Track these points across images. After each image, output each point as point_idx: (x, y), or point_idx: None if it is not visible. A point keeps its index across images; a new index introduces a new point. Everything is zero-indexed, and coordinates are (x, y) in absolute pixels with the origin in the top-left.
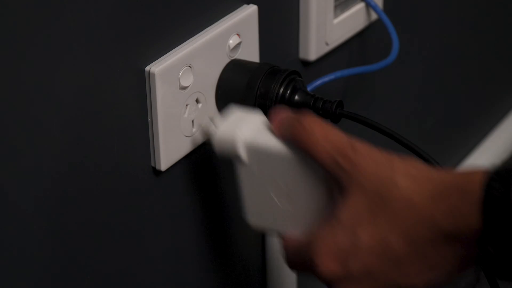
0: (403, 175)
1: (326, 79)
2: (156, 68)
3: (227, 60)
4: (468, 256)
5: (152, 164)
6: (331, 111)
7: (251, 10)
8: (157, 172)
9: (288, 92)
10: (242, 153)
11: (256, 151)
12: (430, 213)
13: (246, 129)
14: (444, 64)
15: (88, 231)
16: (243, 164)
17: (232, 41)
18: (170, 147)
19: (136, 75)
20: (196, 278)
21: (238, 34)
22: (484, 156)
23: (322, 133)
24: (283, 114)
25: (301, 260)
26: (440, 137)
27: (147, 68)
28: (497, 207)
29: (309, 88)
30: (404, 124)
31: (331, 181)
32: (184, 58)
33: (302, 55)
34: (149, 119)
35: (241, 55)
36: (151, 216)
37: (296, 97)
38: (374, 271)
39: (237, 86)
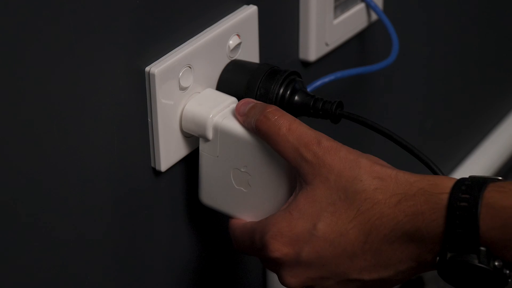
0: (369, 174)
1: (326, 79)
2: (156, 68)
3: (227, 61)
4: (423, 259)
5: (152, 165)
6: (331, 111)
7: (251, 10)
8: (157, 173)
9: (288, 92)
10: (209, 132)
11: (222, 134)
12: (393, 214)
13: (216, 110)
14: (444, 64)
15: (86, 230)
16: (207, 144)
17: (232, 41)
18: (170, 148)
19: (136, 75)
20: (196, 277)
21: (238, 35)
22: (484, 157)
23: (287, 125)
24: (248, 104)
25: (250, 242)
26: (440, 137)
27: (147, 68)
28: (461, 217)
29: (309, 89)
30: (404, 125)
31: (293, 173)
32: (184, 58)
33: (302, 55)
34: (149, 120)
35: (241, 55)
36: (151, 217)
37: (296, 97)
38: (326, 259)
39: (237, 87)
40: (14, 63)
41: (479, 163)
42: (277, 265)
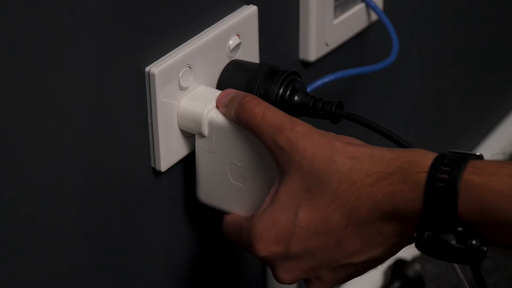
0: (342, 155)
1: (326, 79)
2: (156, 68)
3: (227, 61)
4: (407, 233)
5: (152, 165)
6: (331, 112)
7: (251, 10)
8: (157, 173)
9: (288, 92)
10: (205, 128)
11: (217, 129)
12: (372, 193)
13: (211, 106)
14: (443, 65)
15: (87, 231)
16: (203, 140)
17: (232, 41)
18: (170, 148)
19: (136, 75)
20: (196, 277)
21: (238, 35)
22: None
23: (261, 114)
24: (228, 95)
25: (239, 239)
26: (440, 137)
27: (147, 68)
28: (439, 198)
29: (309, 89)
30: (404, 125)
31: (275, 162)
32: (184, 58)
33: (302, 55)
34: (149, 120)
35: (241, 55)
36: (151, 217)
37: (296, 97)
38: (314, 249)
39: (237, 87)
40: (14, 63)
41: None
42: (267, 262)
